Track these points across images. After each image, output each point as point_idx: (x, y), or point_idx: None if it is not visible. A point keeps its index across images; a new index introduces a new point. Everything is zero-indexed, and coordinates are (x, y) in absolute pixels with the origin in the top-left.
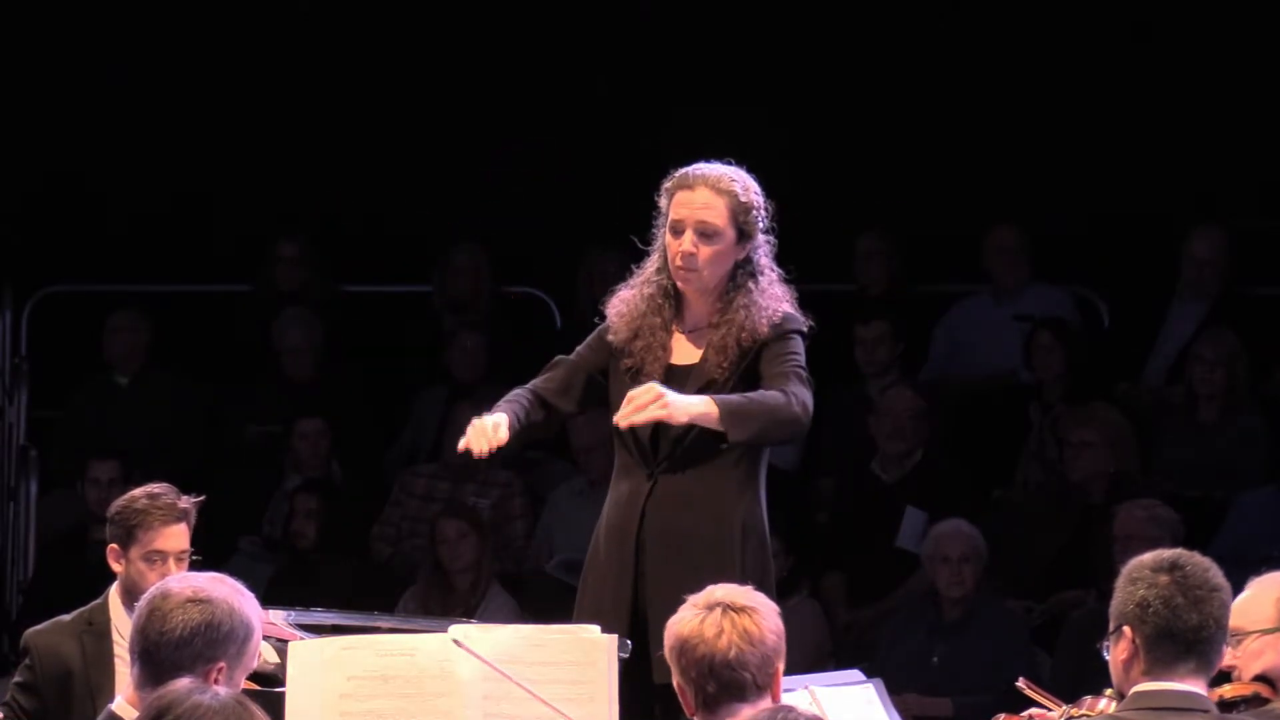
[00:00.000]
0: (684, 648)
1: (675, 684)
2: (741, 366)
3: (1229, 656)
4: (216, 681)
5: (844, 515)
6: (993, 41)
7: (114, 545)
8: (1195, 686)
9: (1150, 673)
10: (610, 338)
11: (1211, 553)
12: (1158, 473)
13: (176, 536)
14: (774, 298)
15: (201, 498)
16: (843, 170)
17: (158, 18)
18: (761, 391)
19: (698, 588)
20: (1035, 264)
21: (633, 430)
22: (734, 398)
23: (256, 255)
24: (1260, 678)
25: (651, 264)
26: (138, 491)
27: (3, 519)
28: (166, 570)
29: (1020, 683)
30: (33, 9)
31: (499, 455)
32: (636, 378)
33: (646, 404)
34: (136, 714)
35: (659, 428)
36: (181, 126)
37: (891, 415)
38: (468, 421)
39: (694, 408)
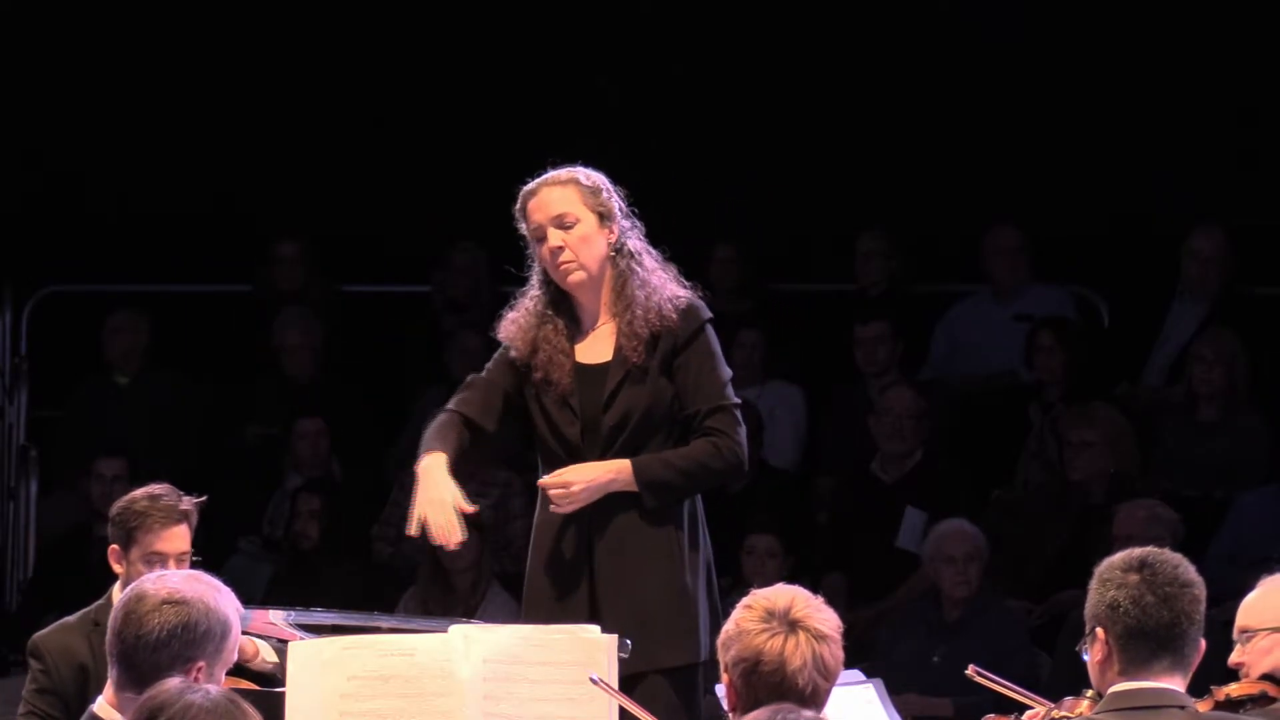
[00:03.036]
0: (758, 665)
1: (725, 682)
2: (658, 353)
3: (1238, 654)
4: (197, 680)
5: (844, 515)
6: (991, 42)
7: (114, 546)
8: (1171, 683)
9: (1125, 673)
10: (513, 355)
11: (1212, 553)
12: (1158, 473)
13: (177, 538)
14: (666, 279)
15: (203, 498)
16: (843, 170)
17: (158, 18)
18: (686, 451)
19: (649, 578)
20: (1035, 264)
21: (562, 436)
22: (654, 464)
23: (256, 255)
24: (1268, 676)
25: (533, 285)
26: (138, 493)
27: (3, 519)
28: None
29: (970, 670)
30: (35, 9)
31: (497, 455)
32: (548, 387)
33: (559, 498)
34: (117, 715)
35: (587, 428)
36: (182, 127)
37: (891, 415)
38: None
39: (604, 481)
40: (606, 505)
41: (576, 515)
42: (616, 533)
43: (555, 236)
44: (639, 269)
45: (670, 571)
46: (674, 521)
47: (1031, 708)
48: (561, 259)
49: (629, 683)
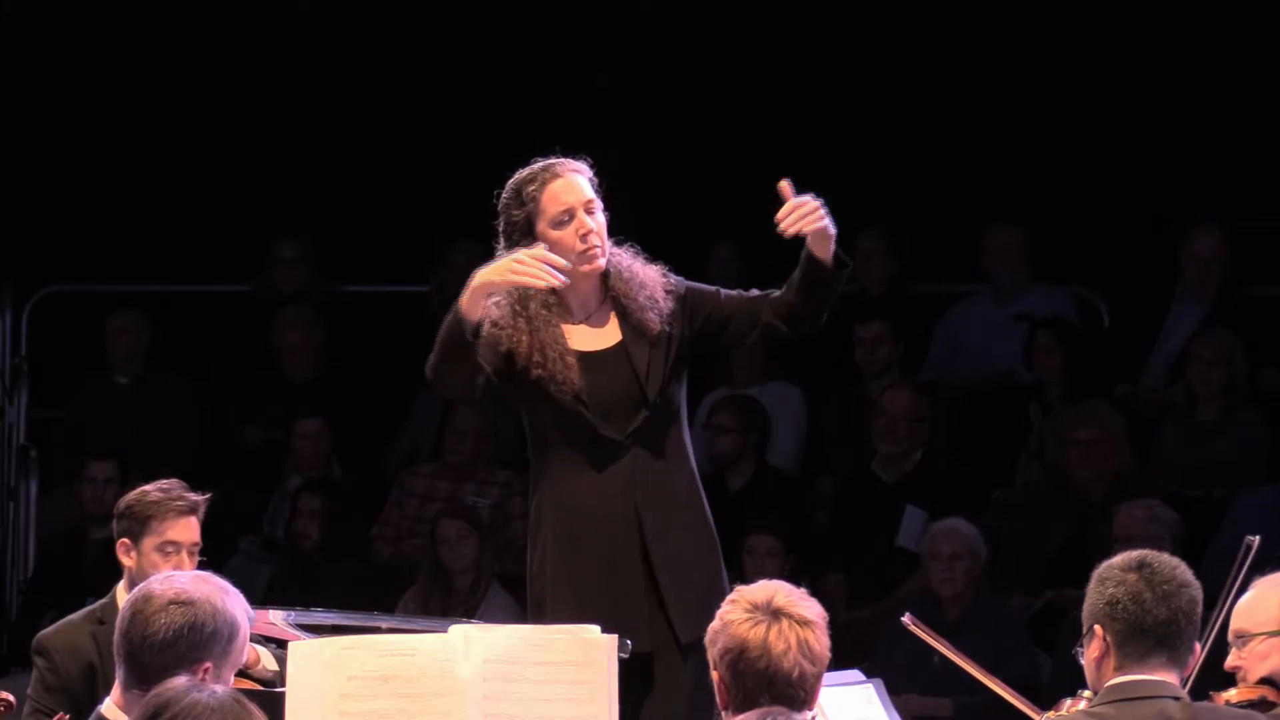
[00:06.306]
0: (743, 654)
1: (715, 679)
2: (676, 315)
3: (1234, 657)
4: (204, 681)
5: (844, 515)
6: (993, 42)
7: (124, 539)
8: (1166, 677)
9: (1122, 668)
10: (501, 350)
11: (1211, 553)
12: (1158, 473)
13: (189, 528)
14: (631, 254)
15: (208, 495)
16: (843, 170)
17: (157, 18)
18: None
19: (696, 543)
20: (1035, 264)
21: (578, 430)
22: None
23: (256, 255)
24: (1266, 680)
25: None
26: (147, 486)
27: (3, 519)
28: (180, 562)
29: (905, 618)
30: (33, 10)
31: (497, 455)
32: (557, 385)
33: (811, 212)
34: (124, 716)
35: (602, 414)
36: (181, 126)
37: (891, 415)
38: (467, 423)
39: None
40: (647, 474)
41: (617, 488)
42: (661, 499)
43: (588, 221)
44: (623, 252)
45: (711, 533)
46: (699, 483)
47: (967, 671)
48: (594, 243)
49: (689, 650)
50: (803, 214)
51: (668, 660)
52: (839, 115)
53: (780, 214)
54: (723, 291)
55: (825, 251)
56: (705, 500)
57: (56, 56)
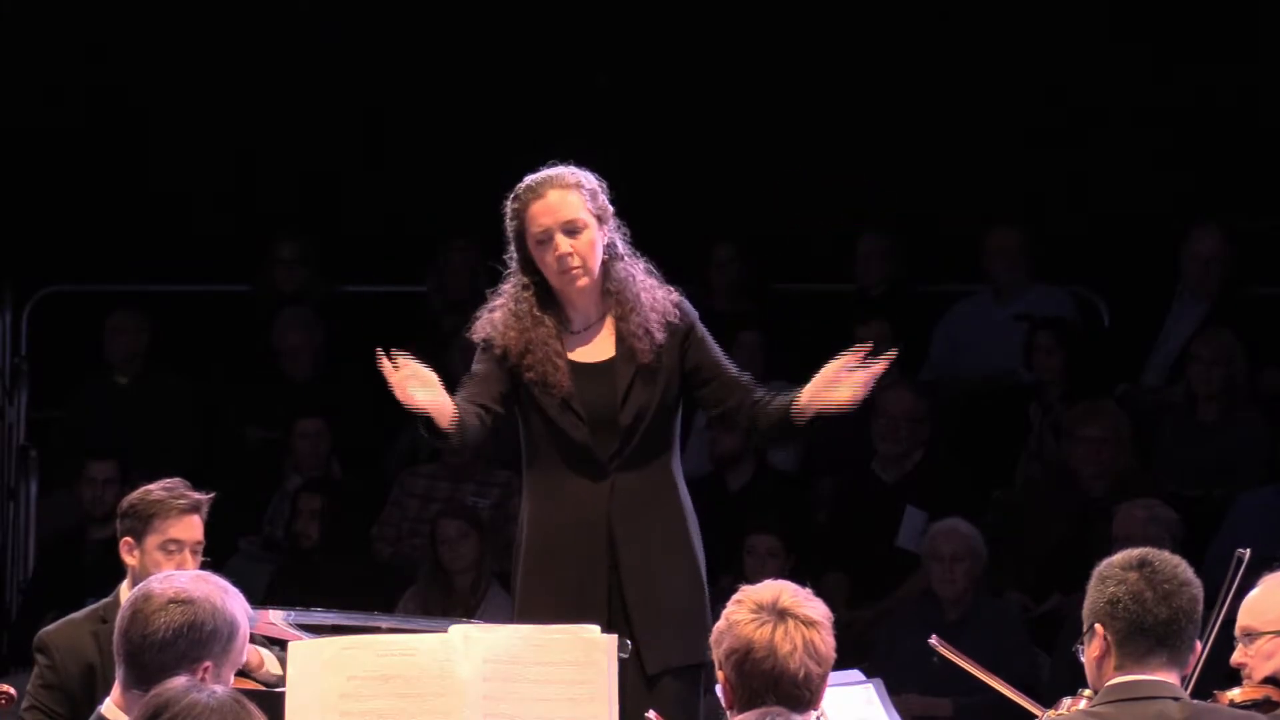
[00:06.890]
0: (749, 655)
1: (720, 679)
2: (668, 348)
3: (1240, 654)
4: (204, 680)
5: (844, 515)
6: (992, 42)
7: (127, 538)
8: (1166, 677)
9: (1122, 667)
10: (498, 354)
11: (1212, 553)
12: (1158, 472)
13: (193, 527)
14: (648, 273)
15: (211, 495)
16: (843, 170)
17: (158, 19)
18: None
19: (674, 575)
20: (1035, 264)
21: (570, 439)
22: None
23: (256, 255)
24: (1270, 680)
25: (513, 283)
26: (151, 485)
27: (3, 519)
28: (183, 560)
29: (933, 640)
30: (34, 10)
31: (497, 455)
32: (545, 389)
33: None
34: (124, 716)
35: (595, 427)
36: (181, 126)
37: (891, 415)
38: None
39: None
40: (627, 501)
41: (594, 510)
42: (639, 527)
43: (564, 243)
44: (634, 270)
45: (693, 565)
46: (688, 514)
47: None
48: (571, 265)
49: (654, 680)
50: (870, 378)
51: (630, 689)
52: (839, 115)
53: (857, 372)
54: (723, 359)
55: (811, 413)
56: (692, 532)
57: (57, 56)
